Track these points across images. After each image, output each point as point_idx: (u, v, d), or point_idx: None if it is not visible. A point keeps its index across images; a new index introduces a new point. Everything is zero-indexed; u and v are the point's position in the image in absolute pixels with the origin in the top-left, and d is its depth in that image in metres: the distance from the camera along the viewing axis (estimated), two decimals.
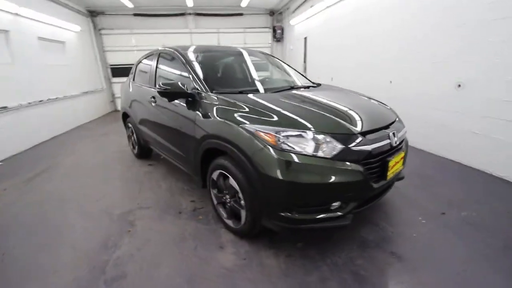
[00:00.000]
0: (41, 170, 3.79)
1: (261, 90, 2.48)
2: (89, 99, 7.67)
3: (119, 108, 9.37)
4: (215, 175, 2.12)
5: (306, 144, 1.61)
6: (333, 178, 1.58)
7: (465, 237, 2.02)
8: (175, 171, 3.55)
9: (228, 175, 1.94)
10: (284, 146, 1.60)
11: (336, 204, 1.68)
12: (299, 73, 3.30)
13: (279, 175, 1.58)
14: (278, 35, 9.41)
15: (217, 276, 1.73)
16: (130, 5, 7.59)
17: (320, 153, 1.60)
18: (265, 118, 1.77)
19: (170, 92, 2.30)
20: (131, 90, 3.66)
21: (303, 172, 1.57)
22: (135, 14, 8.49)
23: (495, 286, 1.59)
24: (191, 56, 2.67)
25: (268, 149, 1.62)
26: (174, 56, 2.79)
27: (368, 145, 1.70)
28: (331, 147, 1.61)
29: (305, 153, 1.59)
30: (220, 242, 2.07)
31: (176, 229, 2.26)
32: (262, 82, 2.79)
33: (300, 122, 1.69)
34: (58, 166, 3.94)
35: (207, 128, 2.09)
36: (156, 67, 3.09)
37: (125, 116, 4.15)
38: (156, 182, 3.24)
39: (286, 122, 1.71)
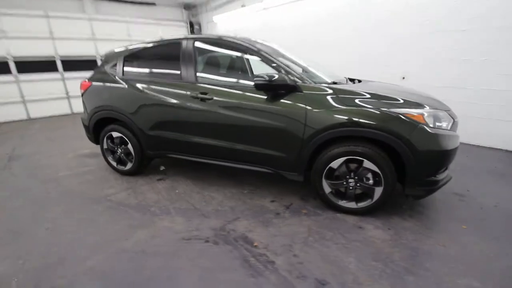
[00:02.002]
0: None
1: (342, 81, 2.61)
2: None
3: None
4: (335, 163, 2.19)
5: (441, 120, 2.04)
6: (456, 144, 2.11)
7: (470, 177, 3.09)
8: (204, 178, 3.11)
9: (362, 159, 2.10)
10: (430, 124, 1.98)
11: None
12: None
13: (435, 147, 1.95)
14: (196, 30, 9.06)
15: (393, 247, 1.91)
16: None
17: (447, 126, 2.09)
18: (399, 102, 2.05)
19: (274, 85, 2.15)
20: (139, 88, 2.82)
21: (446, 142, 1.99)
22: None
23: None
24: (263, 46, 2.49)
25: (422, 127, 1.95)
26: (237, 46, 2.53)
27: (456, 118, 2.33)
28: (450, 120, 2.13)
29: (442, 126, 2.04)
30: (351, 224, 2.20)
31: (298, 228, 2.17)
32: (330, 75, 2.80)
33: (426, 104, 2.10)
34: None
35: (328, 119, 2.11)
36: (195, 59, 2.60)
37: (101, 124, 3.14)
38: (199, 195, 2.76)
39: (418, 104, 2.07)
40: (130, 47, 3.02)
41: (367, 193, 2.21)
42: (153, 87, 2.76)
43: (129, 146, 3.04)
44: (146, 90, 2.80)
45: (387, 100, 2.08)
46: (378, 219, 2.26)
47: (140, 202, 2.65)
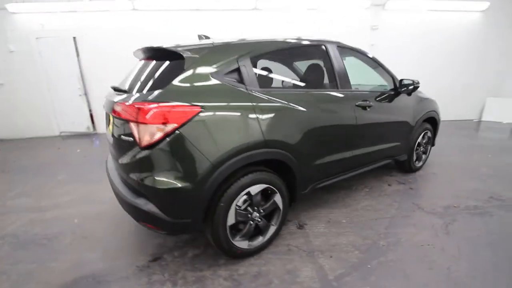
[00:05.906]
0: None
1: None
2: None
3: None
4: (420, 138, 3.26)
5: None
6: None
7: None
8: (317, 201, 2.76)
9: (429, 130, 3.37)
10: None
11: None
12: None
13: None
14: None
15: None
16: None
17: None
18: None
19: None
20: (298, 106, 1.94)
21: None
22: None
23: None
24: None
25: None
26: (358, 53, 2.64)
27: None
28: None
29: None
30: (426, 173, 3.42)
31: (433, 189, 3.02)
32: None
33: None
34: None
35: (423, 110, 3.15)
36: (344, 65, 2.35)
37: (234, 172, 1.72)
38: (361, 211, 2.56)
39: None
40: (254, 44, 1.88)
41: (426, 152, 3.51)
42: (317, 102, 2.08)
43: (277, 198, 1.96)
44: (305, 107, 2.02)
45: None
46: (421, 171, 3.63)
47: (361, 251, 2.02)
